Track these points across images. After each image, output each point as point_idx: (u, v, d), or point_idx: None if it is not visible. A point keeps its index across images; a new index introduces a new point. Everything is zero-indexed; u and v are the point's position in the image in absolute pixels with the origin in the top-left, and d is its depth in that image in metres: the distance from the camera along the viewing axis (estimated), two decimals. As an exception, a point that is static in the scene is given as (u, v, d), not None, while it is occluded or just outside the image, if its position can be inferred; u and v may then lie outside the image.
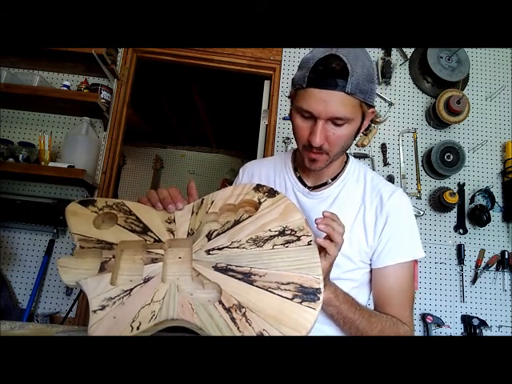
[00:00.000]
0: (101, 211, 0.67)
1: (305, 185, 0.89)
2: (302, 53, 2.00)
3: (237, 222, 0.66)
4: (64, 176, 1.66)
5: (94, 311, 0.57)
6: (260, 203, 0.68)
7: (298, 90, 0.75)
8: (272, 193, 0.69)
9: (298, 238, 0.63)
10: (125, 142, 2.04)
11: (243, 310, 0.56)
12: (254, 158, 2.09)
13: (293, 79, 0.79)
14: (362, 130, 0.82)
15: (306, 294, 0.57)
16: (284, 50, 2.00)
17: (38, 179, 1.80)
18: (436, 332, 1.78)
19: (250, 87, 2.53)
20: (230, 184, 1.04)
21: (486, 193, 1.89)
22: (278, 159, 0.98)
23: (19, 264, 1.79)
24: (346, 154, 0.91)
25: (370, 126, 0.89)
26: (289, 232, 0.63)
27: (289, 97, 0.85)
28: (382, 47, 1.99)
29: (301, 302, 0.56)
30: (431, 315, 1.77)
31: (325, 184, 0.87)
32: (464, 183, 1.91)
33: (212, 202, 0.69)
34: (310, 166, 0.80)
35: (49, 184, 1.84)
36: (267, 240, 0.63)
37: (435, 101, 1.87)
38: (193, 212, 0.69)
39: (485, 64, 2.04)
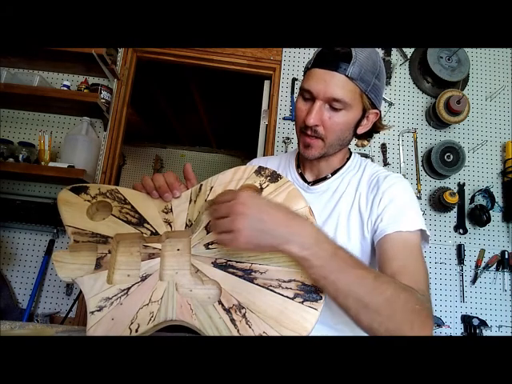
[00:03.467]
0: (94, 199, 0.64)
1: (306, 180, 0.89)
2: (302, 53, 2.00)
3: None
4: (64, 176, 1.65)
5: (92, 312, 0.56)
6: (262, 189, 0.63)
7: (304, 74, 0.79)
8: (275, 177, 0.64)
9: None
10: (125, 142, 2.04)
11: (243, 311, 0.55)
12: (254, 157, 2.08)
13: (303, 70, 0.82)
14: (362, 129, 0.82)
15: (308, 293, 0.56)
16: (284, 49, 2.00)
17: (38, 179, 1.80)
18: (436, 332, 1.77)
19: (250, 87, 2.53)
20: None
21: (486, 193, 1.89)
22: (284, 157, 1.00)
23: (19, 264, 1.79)
24: (350, 151, 0.91)
25: (377, 130, 0.88)
26: None
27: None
28: (382, 47, 1.99)
29: (302, 302, 0.55)
30: (431, 315, 1.77)
31: (324, 179, 0.88)
32: (464, 183, 1.91)
33: (211, 189, 0.64)
34: (304, 152, 0.80)
35: (49, 184, 1.84)
36: None
37: (435, 101, 1.87)
38: (191, 200, 0.64)
39: (485, 64, 2.04)
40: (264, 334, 0.53)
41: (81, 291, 0.59)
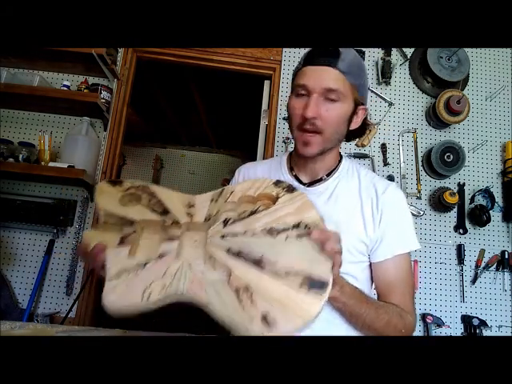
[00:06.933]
0: (127, 191, 0.72)
1: (301, 182, 0.90)
2: (302, 53, 1.99)
3: (253, 213, 0.67)
4: (64, 176, 1.65)
5: (110, 280, 0.61)
6: (278, 198, 0.68)
7: (295, 75, 0.84)
8: (291, 189, 0.70)
9: (310, 234, 0.63)
10: (125, 142, 2.04)
11: (250, 292, 0.58)
12: (254, 158, 2.09)
13: (292, 76, 0.88)
14: (354, 125, 0.86)
15: (314, 284, 0.58)
16: (284, 49, 2.00)
17: (38, 179, 1.80)
18: (436, 332, 1.77)
19: (250, 87, 2.53)
20: None
21: (486, 193, 1.89)
22: (274, 161, 1.01)
23: (19, 264, 1.78)
24: (340, 153, 0.94)
25: (365, 128, 0.92)
26: (303, 226, 0.63)
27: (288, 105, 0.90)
28: (382, 47, 1.99)
29: (308, 290, 0.57)
30: (431, 315, 1.77)
31: (320, 180, 0.89)
32: (464, 183, 1.91)
33: (231, 192, 0.71)
34: (303, 150, 0.82)
35: (49, 184, 1.84)
36: (281, 232, 0.63)
37: (435, 101, 1.87)
38: (212, 199, 0.71)
39: (485, 64, 2.04)
40: (268, 313, 0.55)
41: (81, 291, 0.61)
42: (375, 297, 0.86)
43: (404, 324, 0.78)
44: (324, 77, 0.78)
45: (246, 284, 0.59)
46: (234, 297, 0.58)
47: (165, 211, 0.69)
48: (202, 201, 0.71)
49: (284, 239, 0.62)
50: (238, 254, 0.62)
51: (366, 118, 0.89)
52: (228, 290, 0.59)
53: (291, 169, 0.93)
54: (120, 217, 0.68)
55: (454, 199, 1.78)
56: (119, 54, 1.96)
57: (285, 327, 0.54)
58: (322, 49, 0.80)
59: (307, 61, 0.81)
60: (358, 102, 0.83)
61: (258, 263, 0.61)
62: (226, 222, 0.67)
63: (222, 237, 0.65)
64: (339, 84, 0.78)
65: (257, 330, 0.53)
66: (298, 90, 0.81)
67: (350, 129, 0.86)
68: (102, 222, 0.68)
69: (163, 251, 0.64)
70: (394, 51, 2.01)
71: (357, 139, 1.92)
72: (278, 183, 0.71)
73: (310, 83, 0.79)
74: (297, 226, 0.64)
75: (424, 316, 1.78)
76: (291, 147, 1.90)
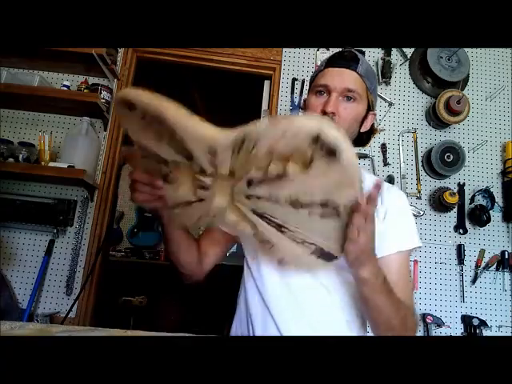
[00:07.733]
0: (145, 120, 0.59)
1: None
2: (302, 53, 2.00)
3: (280, 176, 0.57)
4: (64, 176, 1.65)
5: (173, 207, 0.73)
6: (312, 161, 0.53)
7: (316, 76, 0.90)
8: (331, 152, 0.51)
9: (338, 215, 0.60)
10: (125, 142, 2.04)
11: (271, 245, 0.71)
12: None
13: (311, 78, 0.95)
14: (363, 128, 0.91)
15: (324, 254, 0.68)
16: (284, 50, 2.00)
17: (38, 179, 1.80)
18: (436, 332, 1.77)
19: (250, 87, 2.53)
20: None
21: (486, 193, 1.89)
22: None
23: (19, 264, 1.78)
24: None
25: (371, 134, 0.99)
26: (331, 207, 0.59)
27: (301, 107, 0.93)
28: (382, 47, 1.99)
29: (316, 258, 0.69)
30: (431, 315, 1.77)
31: None
32: (464, 183, 1.91)
33: (255, 143, 0.55)
34: None
35: (49, 184, 1.84)
36: (305, 206, 0.60)
37: (435, 101, 1.87)
38: (233, 151, 0.57)
39: (485, 64, 2.04)
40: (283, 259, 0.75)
41: (81, 291, 0.62)
42: None
43: (415, 322, 0.81)
44: (344, 77, 0.85)
45: (269, 239, 0.69)
46: (258, 244, 0.71)
47: (189, 156, 0.61)
48: (223, 150, 0.57)
49: (307, 214, 0.62)
50: (262, 216, 0.67)
51: (373, 124, 0.94)
52: (254, 240, 0.71)
53: None
54: (153, 153, 0.64)
55: (454, 199, 1.78)
56: (119, 54, 1.96)
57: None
58: (343, 53, 0.87)
59: (329, 63, 0.87)
60: (371, 105, 0.90)
61: (279, 227, 0.67)
62: (249, 183, 0.61)
63: (247, 197, 0.65)
64: (357, 85, 0.85)
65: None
66: (319, 88, 0.87)
67: (360, 131, 0.91)
68: (140, 156, 0.69)
69: (200, 196, 0.70)
70: (394, 51, 2.01)
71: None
72: (317, 140, 0.50)
73: (330, 83, 0.85)
74: (324, 204, 0.58)
75: (424, 316, 1.77)
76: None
